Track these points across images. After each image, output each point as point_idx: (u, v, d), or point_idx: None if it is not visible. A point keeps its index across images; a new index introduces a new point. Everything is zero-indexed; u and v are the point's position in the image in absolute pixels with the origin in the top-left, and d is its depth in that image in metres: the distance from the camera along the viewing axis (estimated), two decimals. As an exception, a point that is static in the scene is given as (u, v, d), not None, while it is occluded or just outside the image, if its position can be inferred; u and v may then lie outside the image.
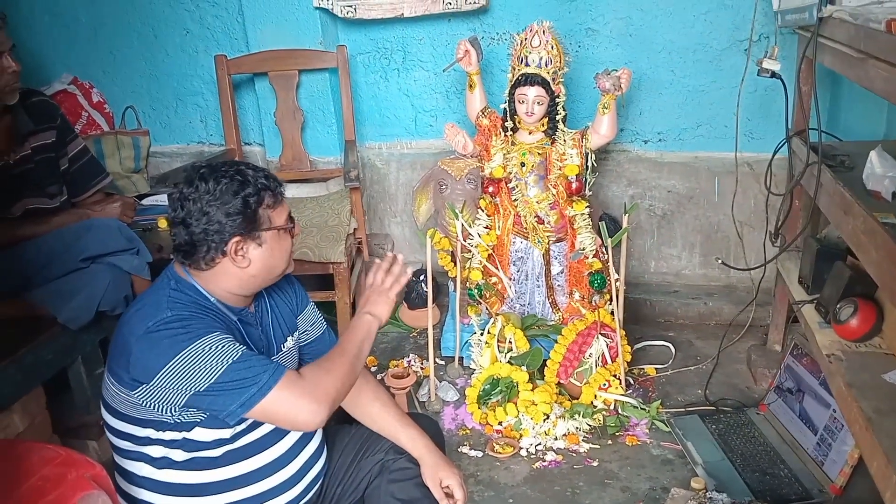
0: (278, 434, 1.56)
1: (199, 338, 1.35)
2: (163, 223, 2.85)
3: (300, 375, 1.41)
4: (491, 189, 2.65)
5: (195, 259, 1.43)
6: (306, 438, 1.62)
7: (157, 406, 1.37)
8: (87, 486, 1.35)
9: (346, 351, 1.49)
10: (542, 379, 2.52)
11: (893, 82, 1.47)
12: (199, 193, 1.39)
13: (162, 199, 3.09)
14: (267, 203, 1.45)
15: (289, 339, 1.65)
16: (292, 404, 1.37)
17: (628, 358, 2.57)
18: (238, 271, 1.45)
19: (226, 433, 1.44)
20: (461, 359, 2.74)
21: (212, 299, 1.47)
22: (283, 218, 1.49)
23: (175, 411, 1.38)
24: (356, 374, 1.50)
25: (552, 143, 2.59)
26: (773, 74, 2.16)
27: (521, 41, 2.49)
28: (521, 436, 2.36)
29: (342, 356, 1.48)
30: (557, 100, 2.52)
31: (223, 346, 1.36)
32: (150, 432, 1.43)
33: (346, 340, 1.52)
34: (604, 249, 2.51)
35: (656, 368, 2.72)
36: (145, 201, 3.11)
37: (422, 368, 2.75)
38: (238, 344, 1.39)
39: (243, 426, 1.48)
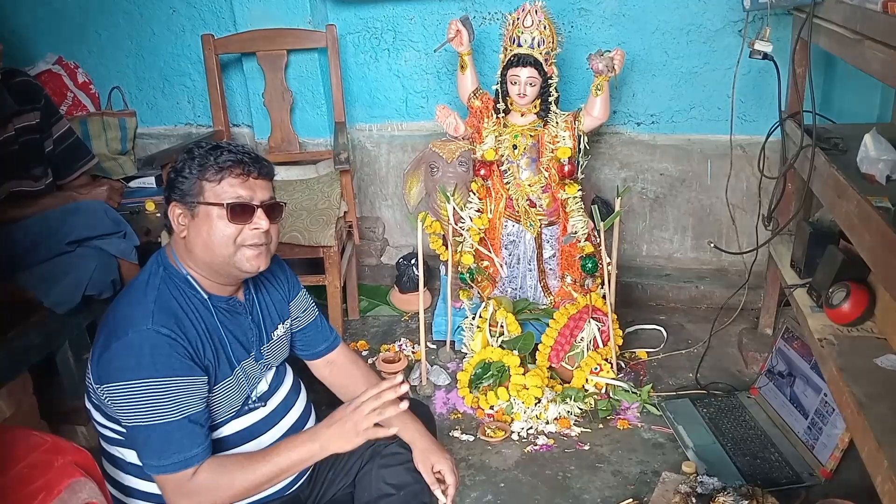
0: (268, 423, 1.55)
1: (157, 376, 1.33)
2: (150, 206, 2.82)
3: (193, 478, 1.35)
4: (483, 172, 2.63)
5: (166, 223, 1.49)
6: (299, 426, 1.62)
7: (112, 407, 1.38)
8: (75, 473, 1.34)
9: (259, 473, 1.39)
10: (534, 363, 2.52)
11: (890, 64, 1.46)
12: (175, 160, 1.48)
13: (149, 181, 3.06)
14: (208, 176, 1.41)
15: (280, 326, 1.63)
16: (169, 496, 1.37)
17: (620, 342, 2.57)
18: (182, 242, 1.45)
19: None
20: (453, 343, 2.73)
21: (197, 287, 1.45)
22: (223, 197, 1.41)
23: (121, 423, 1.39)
24: (257, 493, 1.44)
25: (544, 126, 2.56)
26: (765, 56, 2.13)
27: (513, 21, 2.46)
28: (512, 420, 2.36)
29: (250, 476, 1.39)
30: (550, 81, 2.50)
31: (172, 398, 1.34)
32: (117, 426, 1.42)
33: (271, 461, 1.40)
34: (596, 233, 2.50)
35: (647, 352, 2.72)
36: (132, 184, 3.08)
37: (413, 352, 2.74)
38: (189, 400, 1.36)
39: (229, 415, 1.48)
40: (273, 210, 1.48)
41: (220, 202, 1.41)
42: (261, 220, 1.44)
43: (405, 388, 1.42)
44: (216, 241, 1.42)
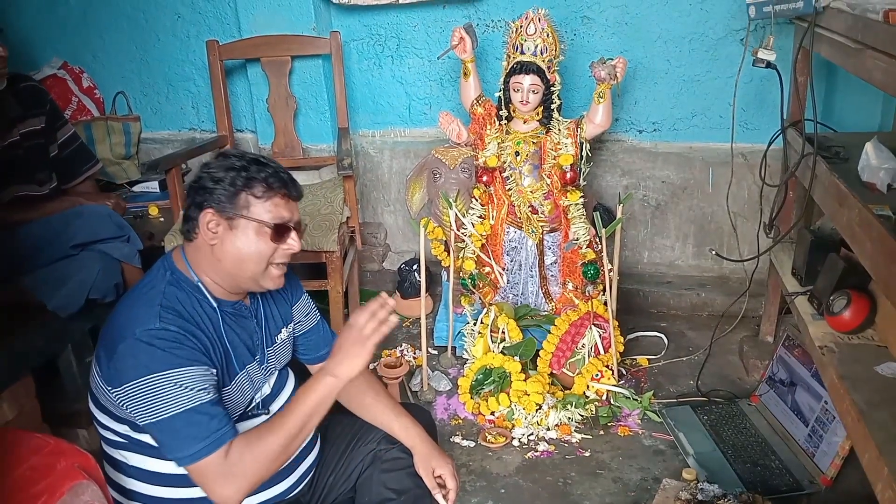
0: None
1: (173, 367, 1.32)
2: (154, 210, 2.83)
3: (228, 456, 1.33)
4: (485, 178, 2.63)
5: (185, 228, 1.46)
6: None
7: (128, 409, 1.37)
8: (77, 475, 1.35)
9: (287, 428, 1.37)
10: (535, 369, 2.52)
11: (891, 73, 1.47)
12: (208, 165, 1.45)
13: (153, 185, 3.07)
14: (255, 192, 1.41)
15: (283, 330, 1.64)
16: (210, 483, 1.34)
17: (621, 348, 2.57)
18: (209, 250, 1.44)
19: None
20: (454, 348, 2.73)
21: (207, 294, 1.46)
22: (268, 216, 1.42)
23: (140, 424, 1.37)
24: (294, 450, 1.41)
25: (547, 133, 2.57)
26: (769, 65, 2.14)
27: (517, 29, 2.47)
28: (513, 426, 2.36)
29: (280, 434, 1.37)
30: (552, 88, 2.51)
31: (190, 385, 1.33)
32: (126, 429, 1.42)
33: (294, 411, 1.39)
34: (597, 240, 2.50)
35: (649, 359, 2.73)
36: (136, 188, 3.10)
37: (414, 358, 2.75)
38: (206, 387, 1.36)
39: (232, 419, 1.48)
40: (300, 230, 1.50)
41: (266, 221, 1.42)
42: (296, 241, 1.46)
43: (392, 301, 1.43)
44: (251, 256, 1.42)
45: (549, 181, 2.60)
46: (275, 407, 1.59)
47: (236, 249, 1.42)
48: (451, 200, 2.55)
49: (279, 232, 1.43)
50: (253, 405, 1.54)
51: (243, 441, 1.36)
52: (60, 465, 1.35)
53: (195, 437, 1.32)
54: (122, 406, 1.36)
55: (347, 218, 2.82)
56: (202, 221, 1.42)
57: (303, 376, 1.77)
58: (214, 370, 1.41)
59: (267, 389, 1.58)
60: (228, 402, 1.46)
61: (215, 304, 1.46)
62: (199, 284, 1.45)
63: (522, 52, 2.45)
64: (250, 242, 1.42)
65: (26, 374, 2.04)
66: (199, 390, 1.34)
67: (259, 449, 1.35)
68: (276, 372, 1.63)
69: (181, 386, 1.32)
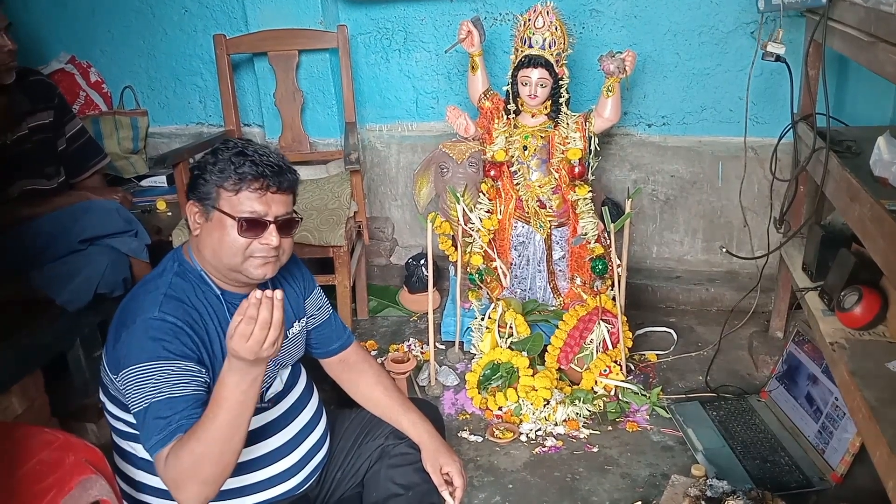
0: (282, 422, 1.55)
1: (159, 359, 1.32)
2: (161, 205, 2.84)
3: (169, 457, 1.27)
4: (493, 173, 2.62)
5: (185, 219, 1.51)
6: (311, 426, 1.62)
7: (124, 396, 1.37)
8: (86, 470, 1.35)
9: (214, 423, 1.26)
10: (543, 364, 2.51)
11: (904, 67, 1.45)
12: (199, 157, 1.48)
13: (160, 180, 3.08)
14: (226, 185, 1.40)
15: (295, 324, 1.63)
16: (164, 479, 1.30)
17: (629, 344, 2.56)
18: (195, 241, 1.46)
19: None
20: (461, 343, 2.73)
21: (211, 283, 1.46)
22: (237, 209, 1.39)
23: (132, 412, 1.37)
24: (228, 450, 1.27)
25: (555, 127, 2.56)
26: (778, 58, 2.12)
27: (525, 22, 2.46)
28: (520, 421, 2.36)
29: (206, 432, 1.26)
30: (561, 82, 2.49)
31: (169, 379, 1.31)
32: (133, 419, 1.41)
33: (211, 408, 1.27)
34: (606, 234, 2.49)
35: (657, 354, 2.71)
36: (143, 182, 3.11)
37: (422, 353, 2.74)
38: (186, 381, 1.32)
39: None
40: (287, 225, 1.46)
41: (234, 214, 1.40)
42: (272, 235, 1.42)
43: (258, 295, 1.20)
44: (225, 249, 1.41)
45: (557, 175, 2.58)
46: (286, 402, 1.59)
47: (212, 241, 1.42)
48: (458, 195, 2.54)
49: (249, 226, 1.40)
50: (260, 400, 1.54)
51: (177, 445, 1.28)
52: (69, 459, 1.35)
53: (155, 429, 1.30)
54: (123, 392, 1.36)
55: (355, 212, 2.82)
56: (189, 212, 1.46)
57: (315, 371, 1.78)
58: (204, 368, 1.38)
59: (279, 385, 1.58)
60: None
61: (219, 293, 1.46)
62: (203, 274, 1.46)
63: (531, 46, 2.44)
64: (223, 235, 1.41)
65: (35, 369, 2.04)
66: (175, 384, 1.32)
67: (184, 452, 1.26)
68: (289, 367, 1.62)
69: (160, 378, 1.31)
